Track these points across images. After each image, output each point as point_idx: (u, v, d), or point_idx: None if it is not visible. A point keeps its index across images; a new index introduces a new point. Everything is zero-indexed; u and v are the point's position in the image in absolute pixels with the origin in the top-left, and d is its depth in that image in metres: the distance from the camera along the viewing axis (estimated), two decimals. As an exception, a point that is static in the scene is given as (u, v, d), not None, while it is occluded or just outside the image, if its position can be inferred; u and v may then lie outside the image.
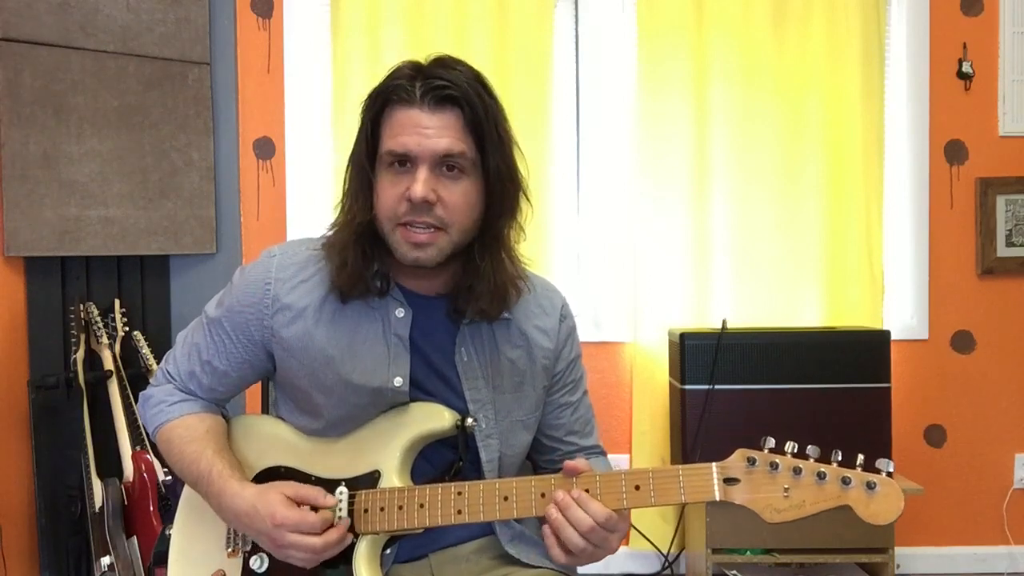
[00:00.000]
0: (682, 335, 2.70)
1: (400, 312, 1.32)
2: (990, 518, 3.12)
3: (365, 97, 1.29)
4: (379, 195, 1.26)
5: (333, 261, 1.31)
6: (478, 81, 1.26)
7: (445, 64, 1.26)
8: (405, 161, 1.23)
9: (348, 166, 1.32)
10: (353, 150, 1.31)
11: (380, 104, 1.26)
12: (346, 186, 1.32)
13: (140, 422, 1.48)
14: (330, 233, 1.33)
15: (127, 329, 2.83)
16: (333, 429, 1.36)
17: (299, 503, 1.25)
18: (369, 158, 1.27)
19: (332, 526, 1.25)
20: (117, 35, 2.83)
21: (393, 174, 1.25)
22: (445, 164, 1.23)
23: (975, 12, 3.09)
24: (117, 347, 2.77)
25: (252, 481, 1.36)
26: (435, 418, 1.32)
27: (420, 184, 1.21)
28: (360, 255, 1.28)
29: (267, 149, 3.11)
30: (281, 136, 3.11)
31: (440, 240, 1.25)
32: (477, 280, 1.30)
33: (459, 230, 1.27)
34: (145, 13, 2.87)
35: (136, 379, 2.74)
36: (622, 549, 3.08)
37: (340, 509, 1.28)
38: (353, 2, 3.01)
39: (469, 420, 1.32)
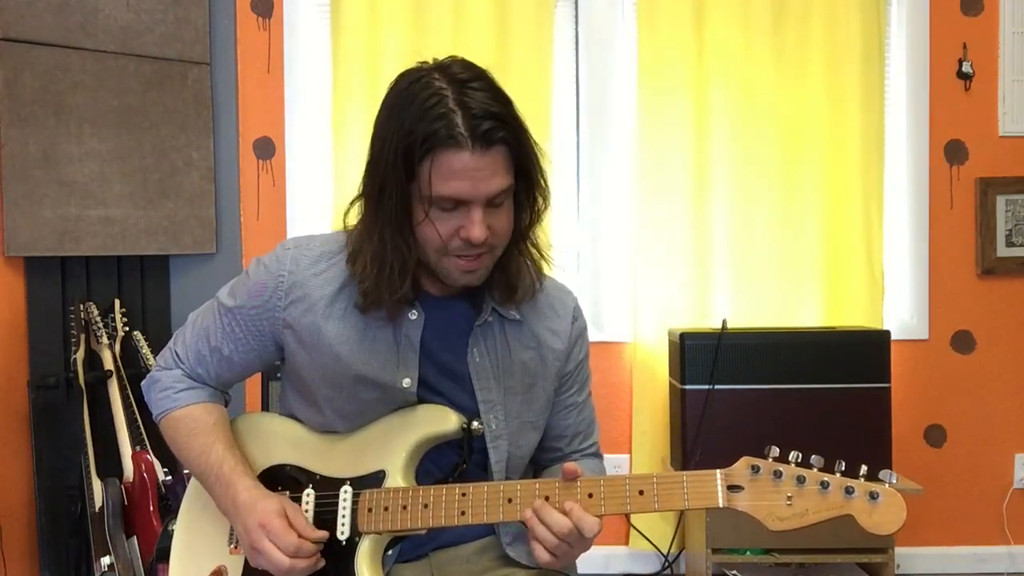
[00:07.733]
0: (682, 335, 2.70)
1: (413, 315, 1.33)
2: (990, 518, 3.12)
3: (395, 131, 1.21)
4: (424, 231, 1.24)
5: (368, 294, 1.28)
6: (510, 103, 1.25)
7: (478, 87, 1.21)
8: (455, 202, 1.22)
9: (374, 202, 1.25)
10: (381, 187, 1.23)
11: (422, 146, 1.18)
12: (372, 220, 1.27)
13: (145, 401, 1.50)
14: (356, 259, 1.30)
15: (127, 329, 2.83)
16: (340, 423, 1.36)
17: (292, 524, 1.28)
18: (404, 194, 1.22)
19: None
20: (117, 35, 2.82)
21: (441, 211, 1.22)
22: (493, 199, 1.23)
23: (975, 12, 3.08)
24: (117, 347, 2.78)
25: (258, 478, 1.37)
26: (441, 420, 1.32)
27: (478, 227, 1.21)
28: (400, 284, 1.27)
29: (267, 149, 3.11)
30: (281, 136, 3.10)
31: (487, 261, 1.29)
32: (499, 271, 1.32)
33: (502, 248, 1.30)
34: (145, 13, 2.86)
35: (136, 379, 2.72)
36: (622, 549, 3.09)
37: (343, 519, 1.30)
38: (353, 2, 3.01)
39: (475, 424, 1.33)
